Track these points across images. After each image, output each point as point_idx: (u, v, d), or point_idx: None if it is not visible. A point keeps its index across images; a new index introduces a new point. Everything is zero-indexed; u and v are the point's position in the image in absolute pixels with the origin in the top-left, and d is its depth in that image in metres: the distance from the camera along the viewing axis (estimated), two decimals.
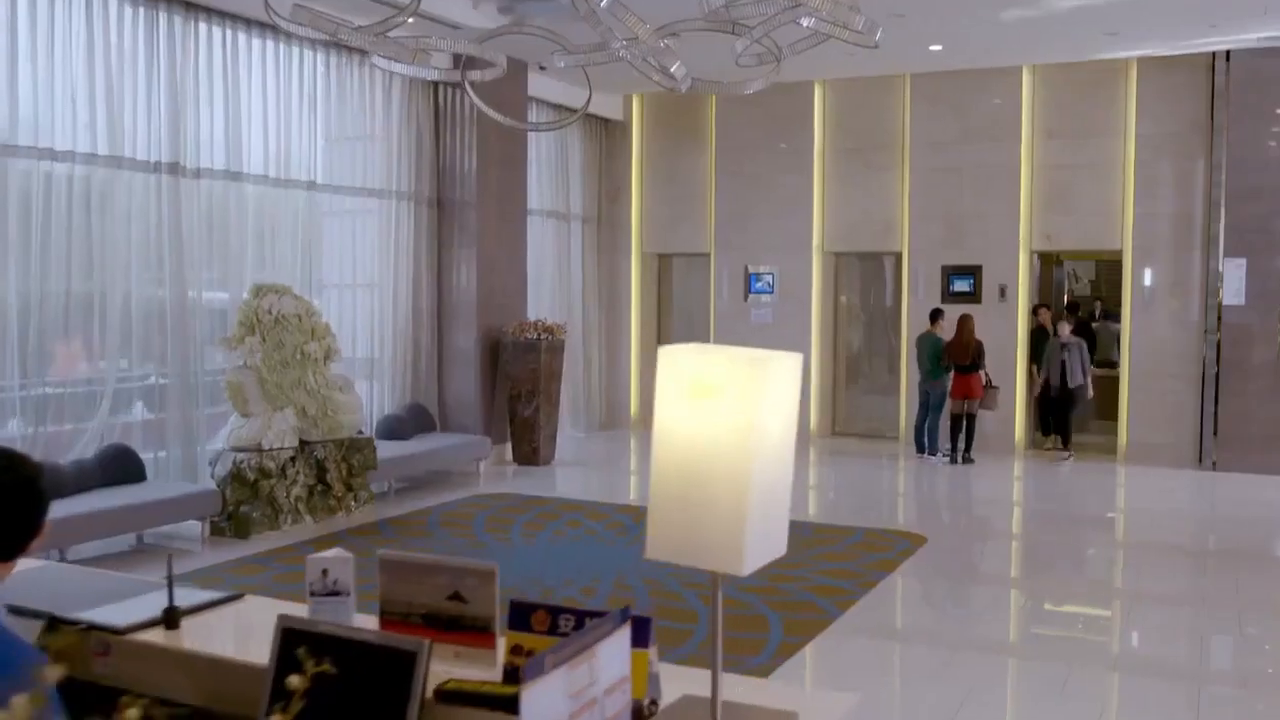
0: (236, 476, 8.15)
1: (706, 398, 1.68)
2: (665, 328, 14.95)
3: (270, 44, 9.50)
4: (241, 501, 8.16)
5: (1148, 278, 12.04)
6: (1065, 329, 12.16)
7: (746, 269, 13.85)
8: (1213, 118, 11.56)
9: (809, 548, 7.86)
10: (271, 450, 8.32)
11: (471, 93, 8.04)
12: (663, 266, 14.90)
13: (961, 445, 11.95)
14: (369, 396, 10.84)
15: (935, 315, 12.17)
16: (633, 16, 6.86)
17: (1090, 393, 12.30)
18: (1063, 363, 11.92)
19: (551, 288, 13.41)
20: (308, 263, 10.04)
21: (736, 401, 1.66)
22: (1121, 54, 11.59)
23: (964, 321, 11.85)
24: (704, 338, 14.27)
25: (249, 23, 9.20)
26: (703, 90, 7.46)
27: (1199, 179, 11.75)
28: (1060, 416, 12.34)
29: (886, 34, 11.10)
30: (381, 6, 7.90)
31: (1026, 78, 12.40)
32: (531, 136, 12.90)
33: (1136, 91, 11.94)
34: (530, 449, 11.46)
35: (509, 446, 11.65)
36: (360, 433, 9.87)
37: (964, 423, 11.98)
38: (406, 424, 10.70)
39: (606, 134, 14.45)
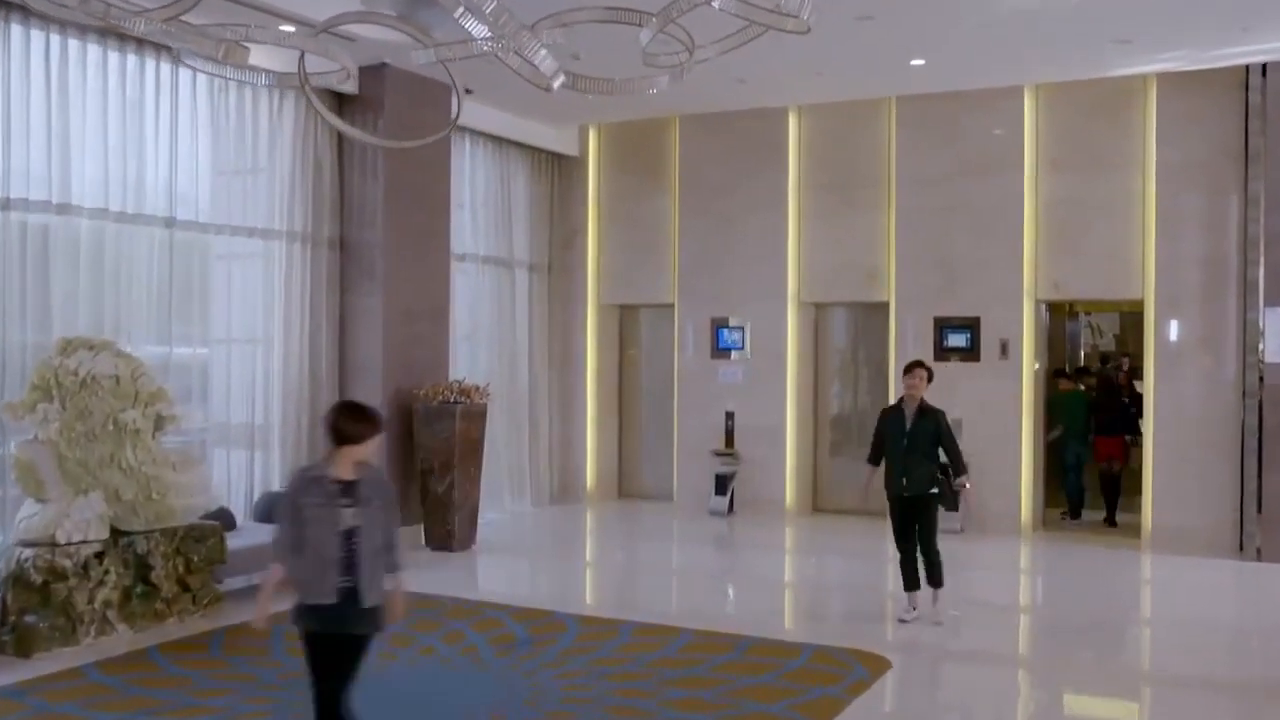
0: (18, 579, 6.49)
1: None
2: (627, 388, 13.26)
3: (114, 54, 7.99)
4: (25, 610, 6.49)
5: (1174, 331, 10.24)
6: None
7: (713, 322, 12.16)
8: (1247, 143, 9.82)
9: (735, 677, 6.07)
10: (69, 545, 6.66)
11: (314, 99, 6.49)
12: (625, 319, 13.24)
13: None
14: (249, 470, 9.21)
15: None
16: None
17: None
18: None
19: (490, 344, 11.77)
20: (167, 313, 8.46)
21: None
22: (1137, 69, 9.91)
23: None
24: (667, 398, 12.58)
25: (84, 28, 7.71)
26: (586, 90, 5.86)
27: (1232, 215, 9.99)
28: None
29: (858, 45, 9.50)
30: None
31: (1028, 100, 10.73)
32: (466, 171, 11.36)
33: (1156, 114, 10.23)
34: (444, 532, 9.74)
35: (424, 529, 9.95)
36: (228, 513, 8.26)
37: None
38: None
39: (559, 171, 12.88)
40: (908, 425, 7.27)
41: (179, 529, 7.27)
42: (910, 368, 7.44)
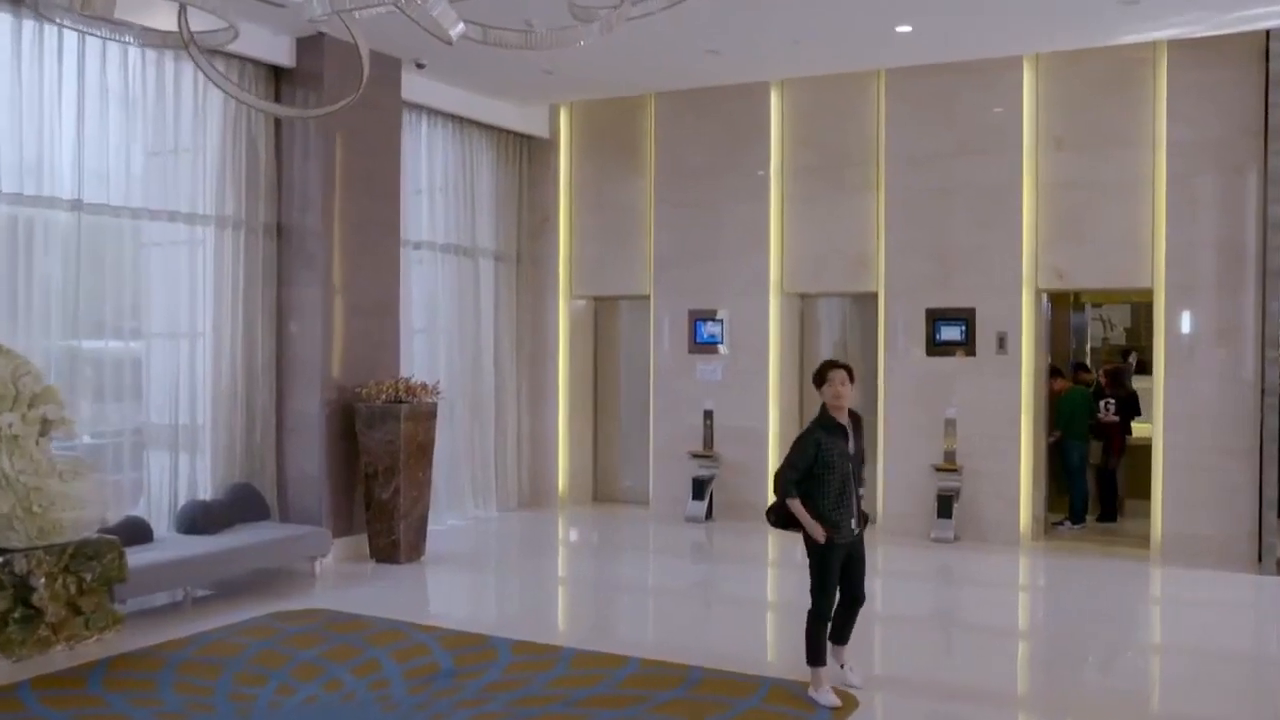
0: None
1: None
2: (603, 385, 12.46)
3: (8, 17, 7.23)
4: None
5: (1186, 323, 9.39)
6: None
7: (691, 314, 11.35)
8: (1268, 118, 8.96)
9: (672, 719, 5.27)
10: None
11: (200, 59, 5.68)
12: (601, 312, 12.44)
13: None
14: (173, 475, 8.44)
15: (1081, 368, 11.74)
16: None
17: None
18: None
19: (450, 338, 10.97)
20: (74, 305, 7.69)
21: None
22: (1146, 35, 9.05)
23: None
24: (644, 396, 11.78)
25: None
26: (501, 44, 5.05)
27: (1251, 197, 9.14)
28: None
29: (836, 8, 8.63)
30: None
31: (1028, 73, 9.88)
32: (422, 153, 10.58)
33: (1168, 86, 9.38)
34: (389, 542, 8.96)
35: (367, 539, 9.18)
36: (142, 524, 7.52)
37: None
38: (218, 512, 8.29)
39: (528, 154, 12.07)
40: (851, 446, 5.57)
41: (68, 545, 6.49)
42: (828, 369, 5.56)
